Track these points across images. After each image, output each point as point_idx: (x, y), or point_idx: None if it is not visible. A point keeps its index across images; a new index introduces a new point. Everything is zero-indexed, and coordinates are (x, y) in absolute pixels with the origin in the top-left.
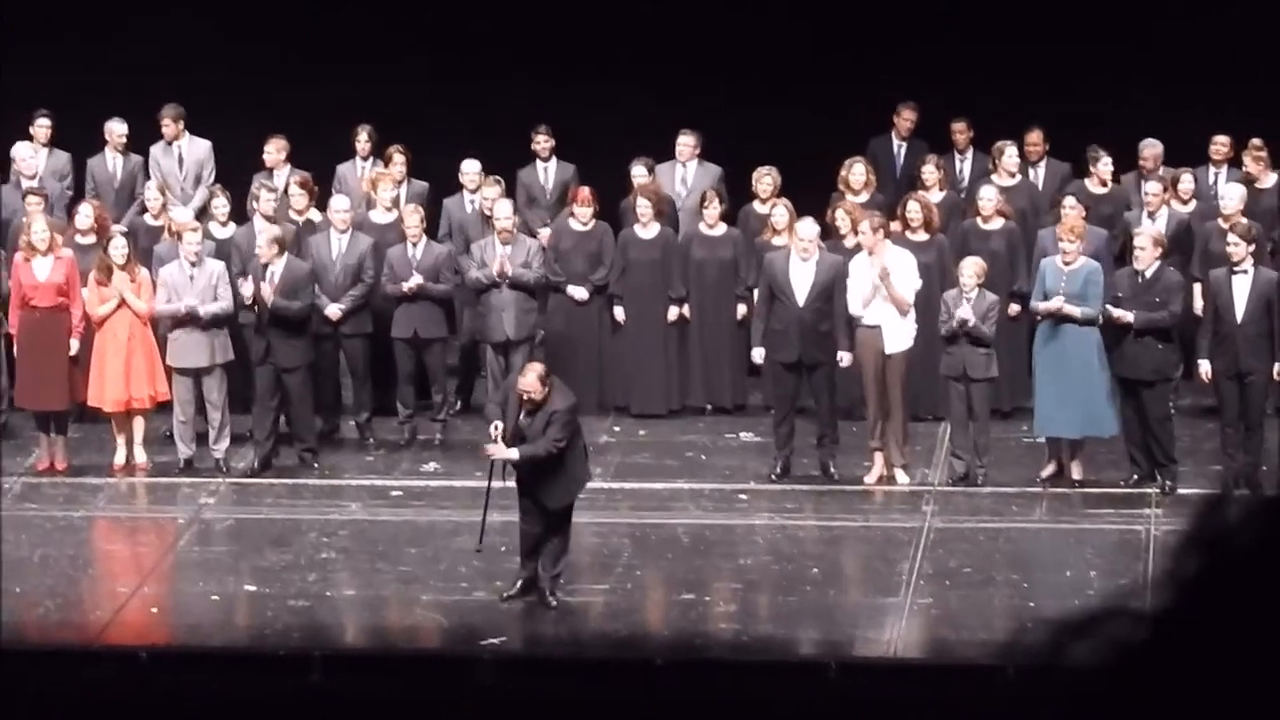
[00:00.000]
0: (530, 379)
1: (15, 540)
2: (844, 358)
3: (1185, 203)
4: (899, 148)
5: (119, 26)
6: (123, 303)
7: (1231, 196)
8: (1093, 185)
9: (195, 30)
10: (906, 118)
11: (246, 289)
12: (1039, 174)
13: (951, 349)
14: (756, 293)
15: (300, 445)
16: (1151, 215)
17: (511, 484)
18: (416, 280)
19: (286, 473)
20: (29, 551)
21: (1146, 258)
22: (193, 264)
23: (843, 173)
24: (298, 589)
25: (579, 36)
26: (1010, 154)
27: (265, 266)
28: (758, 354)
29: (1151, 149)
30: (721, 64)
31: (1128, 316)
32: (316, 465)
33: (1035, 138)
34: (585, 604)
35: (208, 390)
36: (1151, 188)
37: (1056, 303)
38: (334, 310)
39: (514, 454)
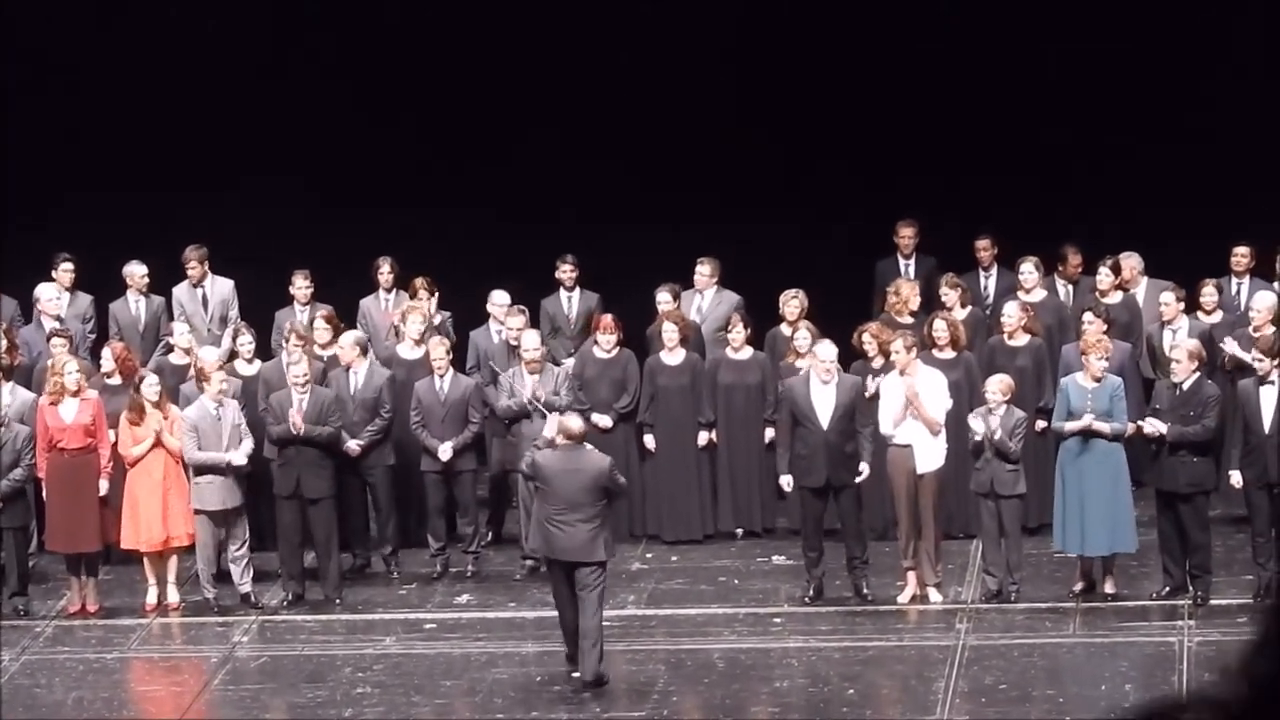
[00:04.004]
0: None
1: (49, 684)
2: (863, 469)
3: (1209, 313)
4: (905, 267)
5: (140, 167)
6: (157, 442)
7: (1259, 307)
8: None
9: (216, 167)
10: (906, 235)
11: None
12: (1071, 291)
13: (980, 465)
14: (778, 417)
15: (327, 585)
16: (1166, 324)
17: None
18: (449, 451)
19: (319, 608)
20: (63, 695)
21: (1183, 370)
22: (218, 405)
23: (901, 298)
24: None
25: (601, 169)
26: (1025, 269)
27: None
28: (785, 481)
29: (1127, 259)
30: (746, 191)
31: (1161, 429)
32: (339, 601)
33: (1077, 260)
34: None
35: (232, 529)
36: (1166, 298)
37: (1087, 420)
38: (353, 446)
39: None
